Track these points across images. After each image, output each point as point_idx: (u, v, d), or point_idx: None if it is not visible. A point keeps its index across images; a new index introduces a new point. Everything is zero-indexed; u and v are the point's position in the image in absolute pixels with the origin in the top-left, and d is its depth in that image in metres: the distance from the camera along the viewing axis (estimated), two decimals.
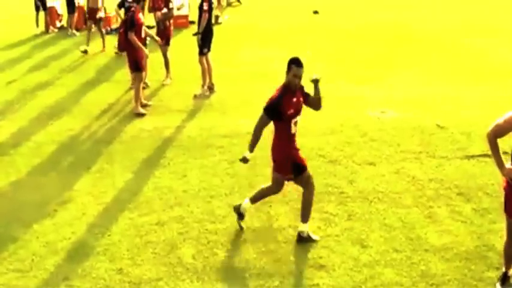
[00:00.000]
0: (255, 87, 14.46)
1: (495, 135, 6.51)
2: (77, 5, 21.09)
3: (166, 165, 10.54)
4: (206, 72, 14.06)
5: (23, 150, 11.39)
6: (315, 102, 8.26)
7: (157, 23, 15.41)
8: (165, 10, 15.04)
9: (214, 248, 8.01)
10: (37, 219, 8.94)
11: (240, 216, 8.39)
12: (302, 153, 8.24)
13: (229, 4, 27.15)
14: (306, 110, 12.63)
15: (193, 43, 14.40)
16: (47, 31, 21.76)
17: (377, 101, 13.12)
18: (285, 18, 23.22)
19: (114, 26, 20.72)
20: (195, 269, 7.65)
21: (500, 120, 6.50)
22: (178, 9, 20.40)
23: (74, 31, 21.01)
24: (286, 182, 8.24)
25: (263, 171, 10.02)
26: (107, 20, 20.58)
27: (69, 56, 18.16)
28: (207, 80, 14.12)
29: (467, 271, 7.38)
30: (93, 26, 18.84)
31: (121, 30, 13.27)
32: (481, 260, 7.59)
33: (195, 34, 14.22)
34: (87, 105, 13.75)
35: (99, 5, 18.93)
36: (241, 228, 8.35)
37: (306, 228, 8.09)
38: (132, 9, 13.21)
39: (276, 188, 8.29)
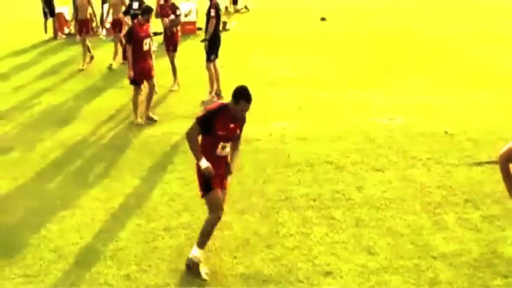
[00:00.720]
0: (263, 93, 14.44)
1: (508, 159, 6.29)
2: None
3: (174, 171, 10.55)
4: (214, 78, 14.09)
5: (31, 156, 11.42)
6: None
7: (165, 29, 15.45)
8: (172, 17, 15.10)
9: (222, 254, 8.00)
10: (45, 225, 8.95)
11: (195, 268, 7.59)
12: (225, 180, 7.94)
13: (237, 11, 27.21)
14: (311, 116, 12.73)
15: (200, 49, 14.43)
16: (55, 37, 21.85)
17: (384, 108, 13.11)
18: (292, 25, 23.26)
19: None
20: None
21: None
22: (185, 15, 20.48)
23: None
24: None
25: (271, 178, 10.04)
26: (119, 25, 20.54)
27: (77, 62, 18.21)
28: (215, 87, 14.14)
29: (475, 279, 7.35)
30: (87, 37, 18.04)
31: (124, 42, 13.26)
32: (489, 267, 7.55)
33: (202, 41, 14.26)
34: (95, 111, 13.78)
35: (88, 16, 18.12)
36: (203, 279, 7.51)
37: (198, 254, 7.61)
38: (135, 21, 13.15)
39: (214, 213, 7.63)
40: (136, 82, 12.99)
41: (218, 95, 14.12)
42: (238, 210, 8.92)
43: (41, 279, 7.66)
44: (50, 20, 21.83)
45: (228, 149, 7.65)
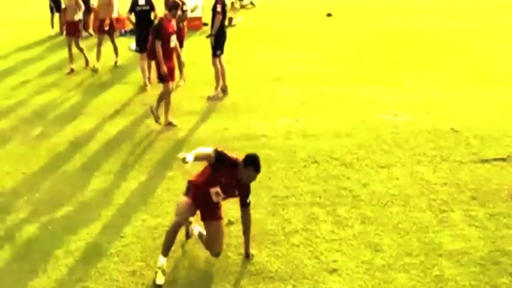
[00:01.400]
0: (269, 89, 14.49)
1: None
2: (91, 6, 20.98)
3: (179, 167, 10.52)
4: (219, 74, 14.07)
5: (38, 151, 11.42)
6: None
7: None
8: (178, 12, 15.05)
9: (227, 250, 8.00)
10: (51, 220, 8.98)
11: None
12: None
13: (243, 6, 27.15)
14: (317, 112, 12.71)
15: (206, 45, 14.42)
16: (61, 33, 21.79)
17: (390, 104, 13.09)
18: (298, 21, 23.22)
19: (128, 28, 20.67)
20: (208, 271, 7.66)
21: None
22: (192, 11, 20.42)
23: (90, 31, 20.93)
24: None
25: (276, 174, 10.04)
26: (120, 21, 20.53)
27: (80, 56, 18.20)
28: (221, 82, 14.13)
29: (481, 277, 7.35)
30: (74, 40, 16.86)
31: (150, 38, 12.88)
32: (495, 265, 7.55)
33: (208, 36, 14.24)
34: (101, 106, 13.78)
35: (78, 17, 16.94)
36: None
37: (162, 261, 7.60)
38: (163, 16, 12.83)
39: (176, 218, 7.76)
40: (165, 80, 12.44)
41: (224, 90, 14.10)
42: None
43: (47, 275, 7.69)
44: (57, 16, 21.79)
45: (220, 198, 7.75)
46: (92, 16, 21.05)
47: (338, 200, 9.21)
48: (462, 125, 11.70)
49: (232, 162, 7.66)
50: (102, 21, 16.82)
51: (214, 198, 7.70)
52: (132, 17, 15.90)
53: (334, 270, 7.55)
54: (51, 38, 21.26)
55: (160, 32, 12.32)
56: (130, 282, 7.52)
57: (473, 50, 18.02)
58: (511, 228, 8.32)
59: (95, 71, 16.40)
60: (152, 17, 15.25)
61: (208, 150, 7.75)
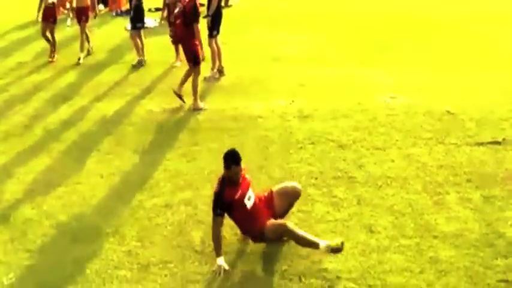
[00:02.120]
0: (266, 70, 14.45)
1: None
2: None
3: (176, 148, 10.55)
4: (216, 54, 14.03)
5: (33, 131, 11.42)
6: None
7: (168, 5, 15.36)
8: None
9: (223, 231, 7.98)
10: (47, 200, 8.99)
11: None
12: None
13: None
14: (314, 93, 12.69)
15: (203, 26, 14.36)
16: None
17: (387, 86, 13.06)
18: (296, 2, 23.10)
19: (124, 8, 20.55)
20: (204, 251, 7.69)
21: None
22: None
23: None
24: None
25: (273, 155, 10.05)
26: (116, 2, 20.38)
27: (78, 37, 18.12)
28: (217, 63, 14.09)
29: (476, 258, 7.37)
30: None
31: (177, 22, 12.71)
32: (489, 247, 7.57)
33: (204, 17, 14.17)
34: (97, 86, 13.75)
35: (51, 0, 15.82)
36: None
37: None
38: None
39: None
40: (198, 62, 12.45)
41: (220, 71, 14.06)
42: None
43: (43, 255, 7.72)
44: None
45: (253, 198, 7.68)
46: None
47: (334, 181, 9.22)
48: (458, 107, 11.68)
49: (222, 185, 7.57)
50: (78, 10, 16.05)
51: (251, 203, 7.66)
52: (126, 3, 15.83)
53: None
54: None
55: (198, 13, 12.34)
56: (126, 261, 7.54)
57: (471, 33, 17.96)
58: (505, 211, 8.33)
59: (78, 64, 15.40)
60: None
61: (215, 227, 7.51)
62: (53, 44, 15.84)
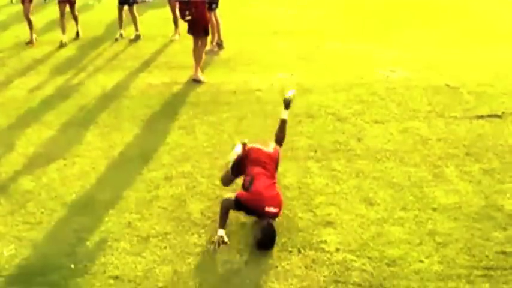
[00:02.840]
0: (265, 44, 14.39)
1: None
2: None
3: (175, 121, 10.53)
4: (215, 28, 13.95)
5: (32, 105, 11.39)
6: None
7: None
8: None
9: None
10: (46, 173, 8.99)
11: None
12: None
13: None
14: (313, 67, 12.67)
15: None
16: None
17: (386, 60, 13.02)
18: None
19: None
20: (203, 223, 7.70)
21: None
22: None
23: None
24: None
25: (272, 129, 10.00)
26: None
27: (78, 11, 18.00)
28: (216, 36, 14.03)
29: (474, 231, 7.40)
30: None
31: None
32: (488, 220, 7.60)
33: None
34: (96, 60, 13.70)
35: None
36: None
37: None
38: None
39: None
40: (208, 33, 12.54)
41: (219, 45, 14.01)
42: None
43: (43, 227, 7.73)
44: None
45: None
46: None
47: (333, 154, 9.22)
48: (457, 81, 11.66)
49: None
50: None
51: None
52: None
53: (329, 224, 7.59)
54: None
55: None
56: (126, 233, 7.56)
57: (471, 8, 17.87)
58: (504, 184, 8.35)
59: (63, 45, 14.76)
60: None
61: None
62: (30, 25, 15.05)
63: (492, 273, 6.76)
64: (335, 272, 6.84)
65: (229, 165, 7.92)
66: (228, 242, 7.28)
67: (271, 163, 7.77)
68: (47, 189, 8.55)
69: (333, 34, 15.15)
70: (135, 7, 15.10)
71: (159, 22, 15.81)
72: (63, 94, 11.82)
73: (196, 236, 7.49)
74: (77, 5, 15.43)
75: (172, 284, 6.80)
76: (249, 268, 6.95)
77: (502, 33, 15.11)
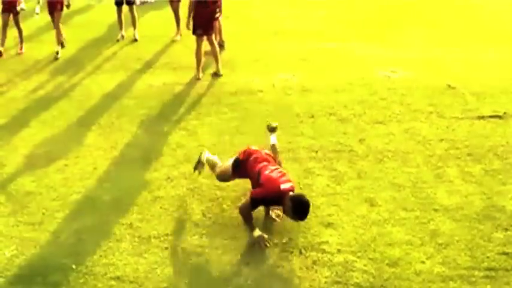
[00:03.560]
0: (266, 45, 14.40)
1: None
2: None
3: (176, 122, 10.54)
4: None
5: (34, 104, 11.41)
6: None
7: None
8: None
9: (223, 204, 8.04)
10: (48, 173, 8.99)
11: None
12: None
13: None
14: (315, 67, 12.66)
15: None
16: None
17: (387, 61, 13.03)
18: None
19: None
20: (204, 224, 7.69)
21: None
22: None
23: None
24: None
25: None
26: None
27: (80, 12, 18.04)
28: (218, 37, 14.02)
29: (476, 231, 7.39)
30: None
31: None
32: (490, 220, 7.59)
33: None
34: (98, 61, 13.71)
35: None
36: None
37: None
38: None
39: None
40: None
41: (221, 45, 14.00)
42: None
43: (44, 227, 7.73)
44: None
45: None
46: None
47: (334, 155, 9.22)
48: (459, 81, 11.67)
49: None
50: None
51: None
52: None
53: (330, 224, 7.59)
54: None
55: None
56: (127, 234, 7.56)
57: (473, 8, 17.87)
58: (505, 185, 8.35)
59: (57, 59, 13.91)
60: None
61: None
62: (20, 34, 14.55)
63: (494, 274, 6.75)
64: (336, 272, 6.83)
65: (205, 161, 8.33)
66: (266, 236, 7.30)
67: (272, 159, 7.78)
68: (48, 190, 8.55)
69: (334, 35, 15.15)
70: (135, 7, 15.11)
71: (160, 23, 15.82)
72: (64, 95, 11.83)
73: (197, 236, 7.49)
74: (77, 6, 15.39)
75: (173, 284, 6.79)
76: (250, 269, 6.94)
77: (504, 33, 15.10)
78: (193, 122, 10.49)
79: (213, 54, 12.52)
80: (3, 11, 14.22)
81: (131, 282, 6.82)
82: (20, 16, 14.52)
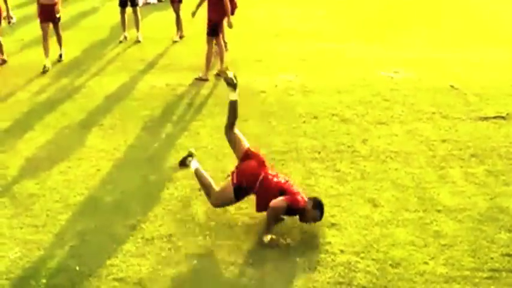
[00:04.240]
0: (268, 45, 14.42)
1: None
2: None
3: (179, 123, 10.55)
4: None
5: (36, 107, 11.41)
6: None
7: None
8: None
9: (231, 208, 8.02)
10: (51, 175, 8.99)
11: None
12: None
13: None
14: (317, 68, 12.66)
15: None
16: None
17: (390, 61, 13.04)
18: None
19: None
20: (208, 225, 7.70)
21: None
22: None
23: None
24: None
25: (276, 130, 10.05)
26: None
27: (83, 14, 18.07)
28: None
29: (479, 232, 7.39)
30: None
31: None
32: (493, 221, 7.59)
33: None
34: (101, 63, 13.72)
35: None
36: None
37: None
38: None
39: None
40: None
41: (225, 46, 14.00)
42: None
43: (47, 229, 7.72)
44: None
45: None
46: None
47: (337, 155, 9.23)
48: (461, 82, 11.68)
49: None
50: (42, 7, 13.47)
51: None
52: None
53: (333, 225, 7.59)
54: None
55: None
56: (130, 235, 7.56)
57: (475, 9, 17.88)
58: (509, 185, 8.35)
59: (45, 71, 13.24)
60: None
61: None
62: None
63: (497, 275, 6.74)
64: (339, 273, 6.83)
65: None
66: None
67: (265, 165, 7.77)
68: (52, 192, 8.55)
69: (336, 35, 15.17)
70: (138, 9, 15.12)
71: (163, 24, 15.82)
72: (67, 97, 11.83)
73: (200, 237, 7.49)
74: (82, 9, 15.40)
75: (177, 286, 6.80)
76: (253, 270, 6.94)
77: (507, 34, 15.10)
78: (196, 123, 10.50)
79: (220, 55, 12.55)
80: (42, 21, 13.49)
81: (134, 283, 6.82)
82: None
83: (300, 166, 8.94)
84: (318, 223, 7.53)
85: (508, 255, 7.02)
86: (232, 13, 13.20)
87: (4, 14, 13.50)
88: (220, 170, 8.84)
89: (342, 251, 7.16)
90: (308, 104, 10.96)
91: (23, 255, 7.29)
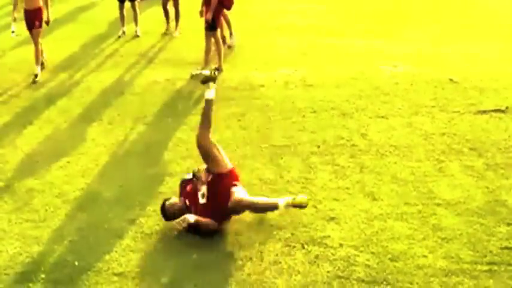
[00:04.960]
0: (267, 40, 14.40)
1: None
2: None
3: (179, 117, 10.55)
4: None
5: (35, 102, 11.41)
6: None
7: None
8: None
9: None
10: (50, 170, 8.99)
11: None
12: None
13: None
14: (316, 62, 12.65)
15: None
16: None
17: (389, 55, 13.03)
18: None
19: None
20: None
21: None
22: None
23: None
24: None
25: (275, 124, 10.05)
26: None
27: (81, 9, 18.05)
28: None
29: (478, 226, 7.38)
30: None
31: None
32: (492, 215, 7.58)
33: None
34: (99, 57, 13.73)
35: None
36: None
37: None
38: None
39: None
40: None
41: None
42: (242, 156, 8.94)
43: (47, 224, 7.72)
44: None
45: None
46: None
47: (336, 149, 9.22)
48: (461, 76, 11.66)
49: None
50: (28, 13, 12.67)
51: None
52: None
53: (332, 219, 7.58)
54: None
55: None
56: (129, 230, 7.55)
57: (474, 3, 17.86)
58: (508, 179, 8.33)
59: (35, 82, 12.39)
60: None
61: None
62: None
63: (496, 268, 6.73)
64: (338, 267, 6.82)
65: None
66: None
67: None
68: (51, 187, 8.55)
69: (335, 29, 15.16)
70: (137, 3, 15.10)
71: (162, 19, 15.77)
72: (66, 91, 11.83)
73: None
74: (80, 3, 15.39)
75: (176, 280, 6.79)
76: (252, 264, 6.94)
77: (506, 27, 15.09)
78: (195, 117, 10.43)
79: (217, 50, 12.53)
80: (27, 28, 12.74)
81: (133, 278, 6.81)
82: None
83: (299, 160, 8.93)
84: (316, 216, 7.53)
85: (507, 248, 7.01)
86: (229, 8, 13.18)
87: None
88: None
89: (341, 245, 7.15)
90: (307, 98, 10.95)
91: (22, 250, 7.28)
